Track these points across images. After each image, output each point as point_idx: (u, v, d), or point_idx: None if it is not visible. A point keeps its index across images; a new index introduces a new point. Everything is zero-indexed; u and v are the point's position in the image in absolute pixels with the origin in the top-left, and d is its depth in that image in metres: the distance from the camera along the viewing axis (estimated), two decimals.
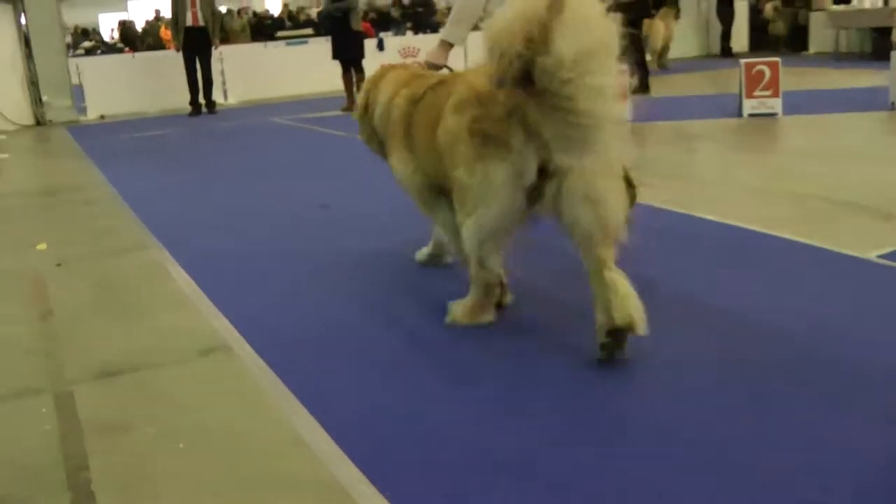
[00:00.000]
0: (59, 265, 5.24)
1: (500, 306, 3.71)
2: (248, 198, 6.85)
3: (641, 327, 3.07)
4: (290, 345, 3.60)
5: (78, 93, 15.02)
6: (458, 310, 3.63)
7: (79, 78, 15.16)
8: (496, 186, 3.15)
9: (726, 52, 19.33)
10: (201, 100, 14.36)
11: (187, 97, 14.29)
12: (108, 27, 27.67)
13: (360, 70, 12.94)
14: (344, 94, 13.33)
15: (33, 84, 14.41)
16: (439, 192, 3.74)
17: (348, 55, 12.93)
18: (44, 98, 14.43)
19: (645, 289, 3.16)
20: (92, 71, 15.45)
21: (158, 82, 15.46)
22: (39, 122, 14.46)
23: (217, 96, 14.95)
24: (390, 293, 4.19)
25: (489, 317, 3.60)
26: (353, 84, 12.94)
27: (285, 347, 3.57)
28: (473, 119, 3.17)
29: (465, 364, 3.28)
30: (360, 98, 4.37)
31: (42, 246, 5.75)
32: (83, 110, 15.08)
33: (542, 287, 4.05)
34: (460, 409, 2.93)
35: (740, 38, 19.85)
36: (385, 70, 4.32)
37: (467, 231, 3.34)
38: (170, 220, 6.23)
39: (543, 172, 3.07)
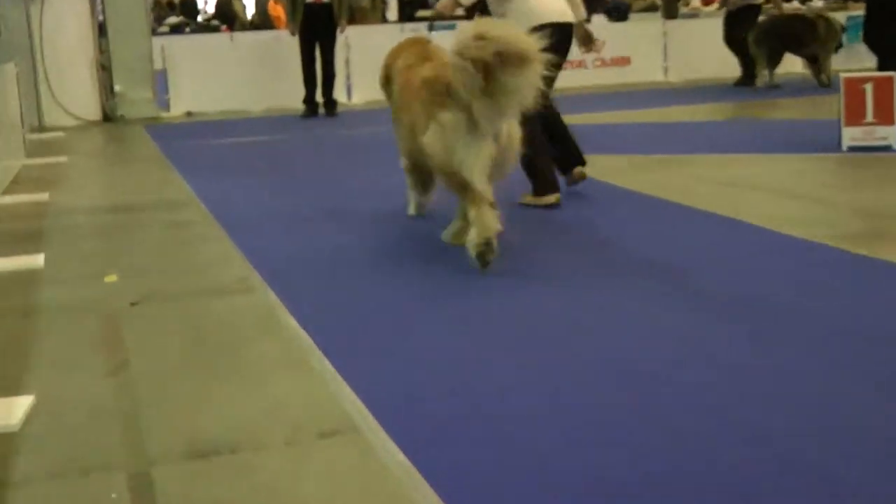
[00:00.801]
0: (134, 304, 5.36)
1: None
2: (380, 233, 6.92)
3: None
4: (437, 433, 3.57)
5: (160, 82, 15.54)
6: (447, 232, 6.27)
7: (162, 62, 15.61)
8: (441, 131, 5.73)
9: None
10: (319, 98, 14.67)
11: (300, 93, 14.62)
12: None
13: None
14: None
15: (104, 69, 14.89)
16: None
17: None
18: (116, 88, 14.90)
19: None
20: (179, 55, 15.94)
21: (264, 72, 15.88)
22: (109, 117, 14.95)
23: (339, 94, 15.27)
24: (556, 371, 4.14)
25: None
26: None
27: (430, 436, 3.55)
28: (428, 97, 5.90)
29: None
30: (382, 69, 7.13)
31: (112, 278, 5.92)
32: (165, 104, 15.62)
33: None
34: None
35: None
36: (405, 44, 7.09)
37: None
38: (281, 254, 6.34)
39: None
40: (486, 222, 5.54)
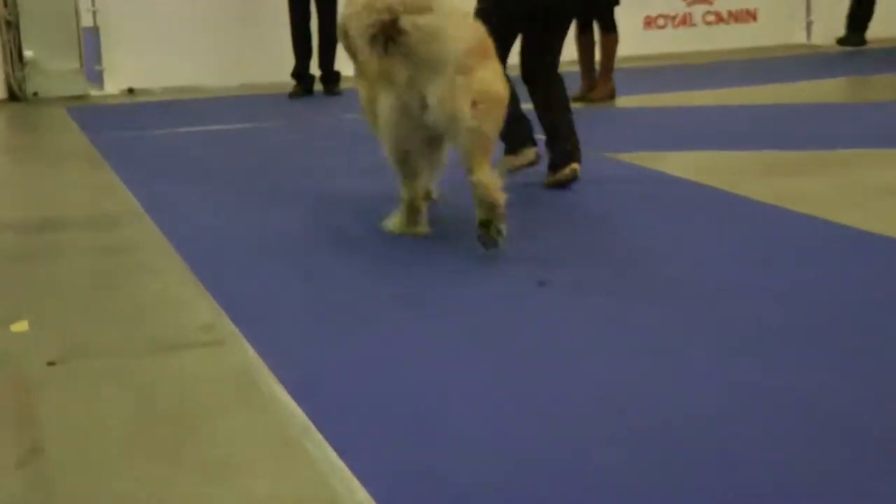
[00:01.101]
0: (52, 364, 5.35)
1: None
2: (395, 258, 7.00)
3: (500, 219, 6.71)
4: None
5: (90, 46, 15.62)
6: (391, 222, 7.48)
7: (93, 19, 15.64)
8: (387, 117, 7.09)
9: None
10: (314, 70, 14.87)
11: (289, 64, 14.83)
12: None
13: (610, 28, 12.97)
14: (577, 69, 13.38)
15: (10, 27, 14.93)
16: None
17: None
18: (27, 54, 14.97)
19: None
20: (117, 8, 15.99)
21: (237, 35, 15.96)
22: (16, 95, 15.00)
23: (342, 65, 15.19)
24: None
25: (422, 229, 7.38)
26: (594, 52, 13.02)
27: None
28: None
29: None
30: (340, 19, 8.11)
31: (21, 326, 5.94)
32: (97, 77, 15.68)
33: None
34: None
35: None
36: None
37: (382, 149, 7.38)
38: (261, 291, 6.39)
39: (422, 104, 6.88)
40: (397, 216, 7.42)
